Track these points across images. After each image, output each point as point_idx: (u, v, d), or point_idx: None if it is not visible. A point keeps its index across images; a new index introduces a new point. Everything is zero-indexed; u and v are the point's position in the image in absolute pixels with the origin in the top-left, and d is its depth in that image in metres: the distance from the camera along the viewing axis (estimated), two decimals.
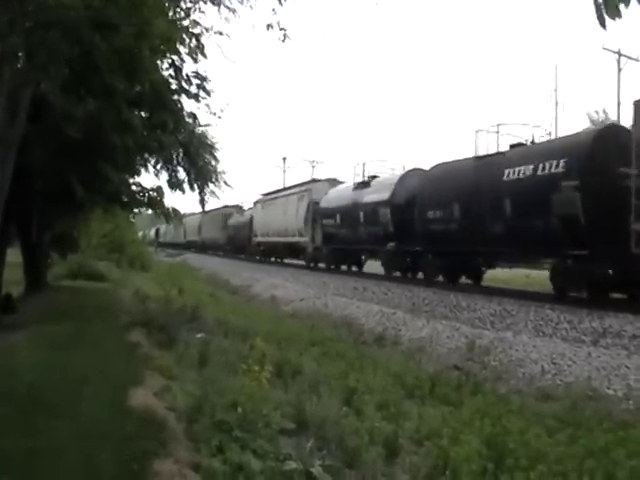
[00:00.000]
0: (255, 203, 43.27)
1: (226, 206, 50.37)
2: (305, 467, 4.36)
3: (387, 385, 8.45)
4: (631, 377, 8.57)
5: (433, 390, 8.51)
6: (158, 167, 15.32)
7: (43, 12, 7.47)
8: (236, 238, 47.03)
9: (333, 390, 7.22)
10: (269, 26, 8.67)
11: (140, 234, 69.75)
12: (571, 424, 6.83)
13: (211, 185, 16.48)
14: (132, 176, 15.74)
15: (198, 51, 10.34)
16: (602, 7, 2.50)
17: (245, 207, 50.04)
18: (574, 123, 72.58)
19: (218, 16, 9.71)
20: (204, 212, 49.66)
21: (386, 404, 7.16)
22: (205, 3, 9.88)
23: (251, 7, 9.51)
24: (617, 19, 2.51)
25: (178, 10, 10.16)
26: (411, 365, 10.69)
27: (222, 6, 9.53)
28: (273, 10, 8.63)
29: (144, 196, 15.09)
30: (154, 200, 14.94)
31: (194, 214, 56.85)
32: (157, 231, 78.06)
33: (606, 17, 2.52)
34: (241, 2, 9.62)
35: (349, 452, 5.20)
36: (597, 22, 2.55)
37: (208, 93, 11.70)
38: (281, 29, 8.68)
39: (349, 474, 4.91)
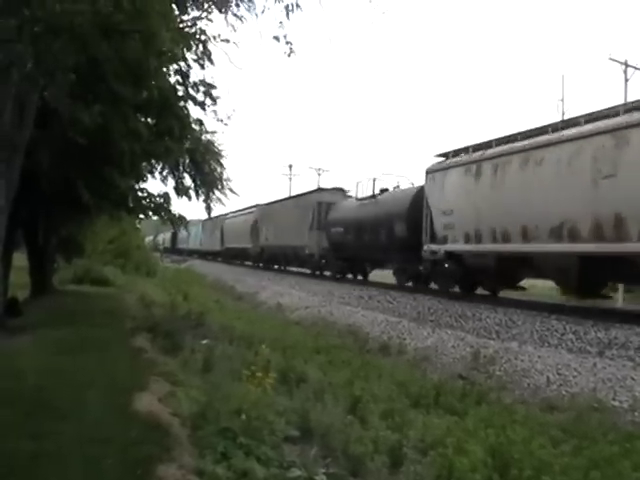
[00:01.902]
0: (430, 172, 18.81)
1: (320, 189, 32.30)
2: (309, 475, 4.34)
3: (392, 394, 8.41)
4: (637, 389, 8.53)
5: (438, 399, 8.47)
6: (164, 173, 15.40)
7: (51, 18, 7.50)
8: (353, 245, 24.14)
9: (338, 398, 7.19)
10: (276, 38, 8.74)
11: (150, 239, 66.91)
12: (576, 435, 6.80)
13: (217, 192, 16.59)
14: (138, 182, 15.82)
15: (205, 57, 10.40)
16: None
17: (351, 193, 28.13)
18: None
19: (225, 24, 9.77)
20: (269, 204, 37.16)
21: (391, 413, 7.12)
22: (211, 12, 9.94)
23: (256, 15, 9.57)
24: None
25: (185, 17, 10.23)
26: (416, 374, 10.66)
27: (229, 14, 9.59)
28: (280, 23, 8.69)
29: (150, 202, 15.16)
30: (160, 206, 15.00)
31: (241, 210, 41.56)
32: (174, 235, 65.99)
33: None
34: (248, 9, 9.68)
35: (353, 460, 5.17)
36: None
37: (214, 100, 11.76)
38: (287, 42, 8.75)
39: None
